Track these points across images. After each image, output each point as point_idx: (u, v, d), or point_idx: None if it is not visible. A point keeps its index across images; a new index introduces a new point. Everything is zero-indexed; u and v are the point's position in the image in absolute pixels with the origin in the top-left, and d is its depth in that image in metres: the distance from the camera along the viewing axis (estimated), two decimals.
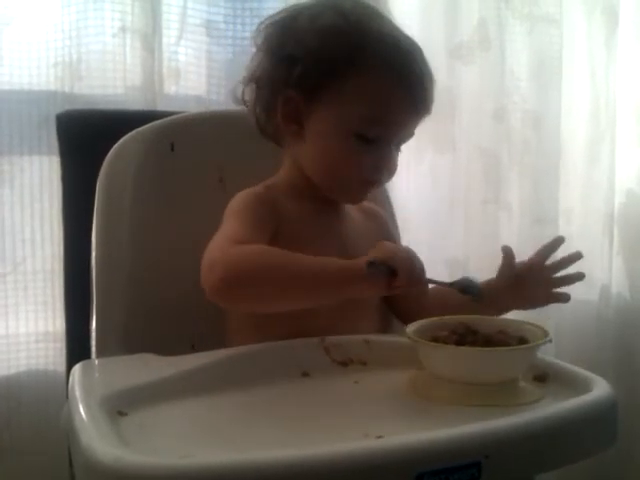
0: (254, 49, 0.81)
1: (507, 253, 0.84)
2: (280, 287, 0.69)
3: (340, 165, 0.79)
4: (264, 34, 0.80)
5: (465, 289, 0.71)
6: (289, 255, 0.69)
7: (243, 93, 0.83)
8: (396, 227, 0.99)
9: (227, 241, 0.72)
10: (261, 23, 0.81)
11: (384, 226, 0.92)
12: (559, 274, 0.85)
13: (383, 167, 0.80)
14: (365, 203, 0.89)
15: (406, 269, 0.68)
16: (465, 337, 0.66)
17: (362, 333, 0.78)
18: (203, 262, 0.71)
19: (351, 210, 0.88)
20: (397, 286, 0.68)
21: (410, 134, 0.82)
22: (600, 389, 0.61)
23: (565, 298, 0.84)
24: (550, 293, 0.85)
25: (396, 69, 0.77)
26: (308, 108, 0.78)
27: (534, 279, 0.84)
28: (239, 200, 0.80)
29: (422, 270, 0.70)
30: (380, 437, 0.52)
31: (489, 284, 0.85)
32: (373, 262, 0.68)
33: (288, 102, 0.78)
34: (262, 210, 0.78)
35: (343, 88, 0.77)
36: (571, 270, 0.86)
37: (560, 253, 1.38)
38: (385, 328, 0.90)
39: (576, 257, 0.85)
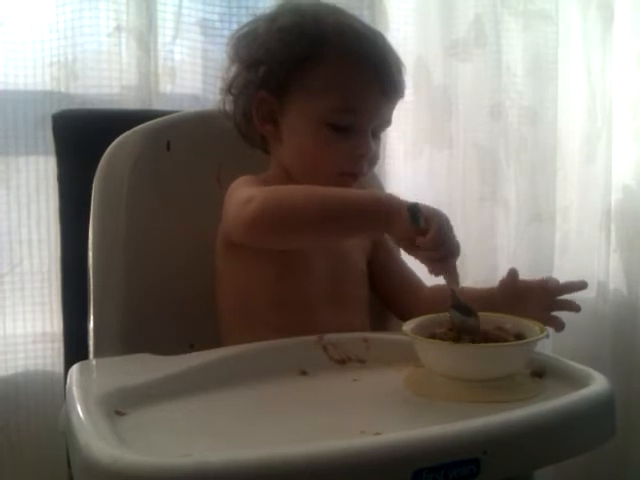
0: (227, 62, 0.84)
1: (511, 274, 0.82)
2: (318, 214, 0.70)
3: (317, 158, 0.80)
4: (234, 47, 0.83)
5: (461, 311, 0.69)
6: (326, 187, 0.72)
7: (223, 105, 0.85)
8: None
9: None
10: (230, 37, 0.84)
11: None
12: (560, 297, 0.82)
13: (361, 156, 0.80)
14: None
15: (436, 236, 0.66)
16: (462, 334, 0.66)
17: (356, 328, 0.79)
18: (229, 208, 0.75)
19: None
20: (419, 244, 0.66)
21: (385, 121, 0.82)
22: (598, 383, 0.61)
23: (560, 325, 0.81)
24: (547, 315, 0.81)
25: (357, 57, 0.78)
26: (280, 107, 0.80)
27: (534, 299, 0.81)
28: (243, 179, 0.82)
29: (450, 252, 0.67)
30: (378, 434, 0.52)
31: (489, 294, 0.83)
32: (416, 206, 0.66)
33: (261, 104, 0.81)
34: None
35: (309, 82, 0.78)
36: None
37: (558, 251, 1.40)
38: (384, 325, 0.91)
39: (581, 286, 0.82)
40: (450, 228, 0.68)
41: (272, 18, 0.81)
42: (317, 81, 0.78)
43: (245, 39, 0.82)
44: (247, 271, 0.80)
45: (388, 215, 0.68)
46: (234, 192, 0.79)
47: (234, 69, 0.83)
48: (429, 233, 0.66)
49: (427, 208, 0.67)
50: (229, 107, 0.84)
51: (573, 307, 0.81)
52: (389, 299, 0.91)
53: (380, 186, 1.01)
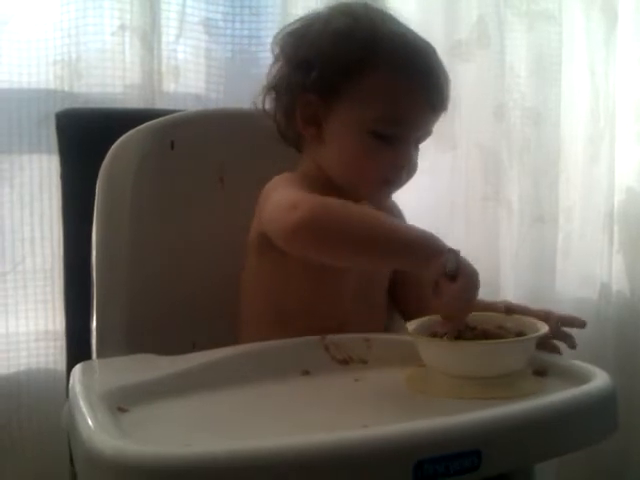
0: (272, 59, 0.83)
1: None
2: (366, 238, 0.68)
3: (358, 164, 0.79)
4: (280, 44, 0.82)
5: None
6: (375, 212, 0.71)
7: (263, 102, 0.84)
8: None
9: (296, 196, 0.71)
10: (277, 34, 0.83)
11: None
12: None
13: (401, 166, 0.80)
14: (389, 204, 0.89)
15: (464, 288, 0.65)
16: (464, 333, 0.67)
17: (373, 329, 0.79)
18: (268, 210, 0.73)
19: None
20: (443, 288, 0.65)
21: (428, 132, 0.82)
22: (600, 379, 0.62)
23: (556, 351, 0.79)
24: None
25: (408, 68, 0.77)
26: (326, 110, 0.79)
27: None
28: (283, 178, 0.81)
29: (468, 306, 0.67)
30: None
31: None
32: (456, 253, 0.66)
33: (307, 105, 0.80)
34: (308, 185, 0.78)
35: (358, 88, 0.78)
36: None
37: (560, 253, 1.39)
38: (389, 326, 0.91)
39: (579, 324, 0.82)
40: (477, 288, 0.67)
41: (325, 20, 0.80)
42: (366, 89, 0.77)
43: (292, 37, 0.81)
44: (281, 274, 0.80)
45: (431, 254, 0.66)
46: (273, 192, 0.78)
47: (279, 67, 0.82)
48: (457, 282, 0.65)
49: (464, 260, 0.67)
50: (269, 104, 0.83)
51: (569, 342, 0.80)
52: (399, 300, 0.91)
53: None
